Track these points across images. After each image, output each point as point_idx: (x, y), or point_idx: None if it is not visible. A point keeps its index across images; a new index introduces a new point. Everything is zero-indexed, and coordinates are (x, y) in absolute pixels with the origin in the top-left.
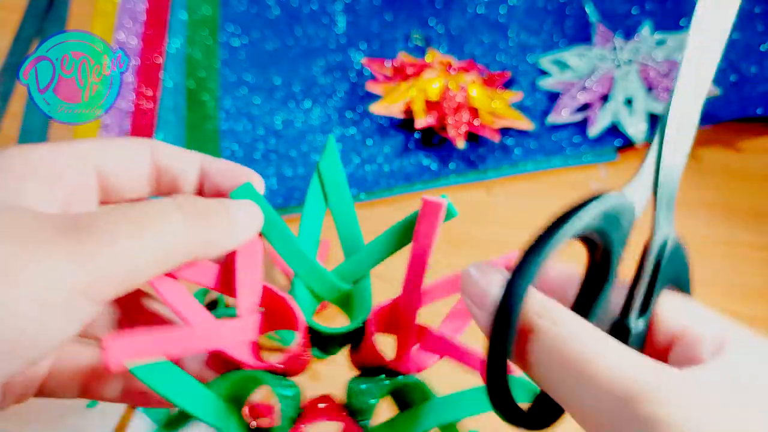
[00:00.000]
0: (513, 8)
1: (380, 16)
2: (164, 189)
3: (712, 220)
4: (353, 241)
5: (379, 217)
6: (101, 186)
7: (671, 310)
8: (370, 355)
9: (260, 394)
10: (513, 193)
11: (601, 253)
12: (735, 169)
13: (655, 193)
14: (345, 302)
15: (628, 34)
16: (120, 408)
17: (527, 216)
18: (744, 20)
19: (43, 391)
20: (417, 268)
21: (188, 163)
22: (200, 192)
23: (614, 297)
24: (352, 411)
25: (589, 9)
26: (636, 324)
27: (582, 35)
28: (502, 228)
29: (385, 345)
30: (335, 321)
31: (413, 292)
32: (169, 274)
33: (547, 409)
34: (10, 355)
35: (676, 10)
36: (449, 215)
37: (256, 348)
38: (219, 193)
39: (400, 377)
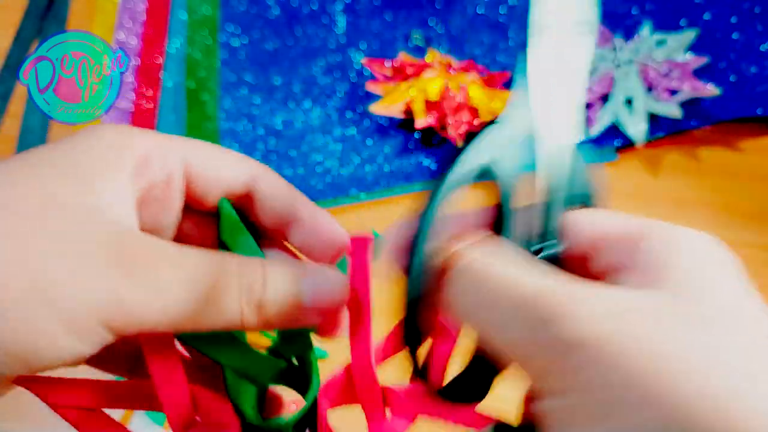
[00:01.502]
0: (513, 8)
1: (380, 16)
2: (249, 211)
3: (712, 220)
4: None
5: (379, 217)
6: (188, 188)
7: (577, 224)
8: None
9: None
10: None
11: (496, 187)
12: (735, 169)
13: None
14: (294, 380)
15: (628, 34)
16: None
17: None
18: (744, 20)
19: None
20: (360, 317)
21: (282, 201)
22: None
23: (519, 226)
24: None
25: None
26: (547, 248)
27: None
28: None
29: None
30: None
31: (364, 347)
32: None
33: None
34: (18, 362)
35: (676, 10)
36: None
37: None
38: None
39: None
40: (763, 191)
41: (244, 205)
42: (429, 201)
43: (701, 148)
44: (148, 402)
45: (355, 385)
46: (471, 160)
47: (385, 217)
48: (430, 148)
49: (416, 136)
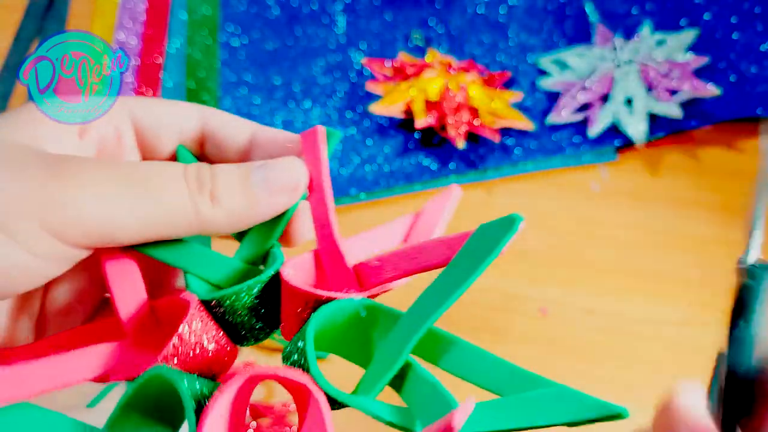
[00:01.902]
0: (513, 8)
1: (380, 16)
2: (208, 155)
3: (712, 220)
4: None
5: (379, 217)
6: (139, 141)
7: None
8: (293, 297)
9: (260, 394)
10: (513, 193)
11: None
12: (735, 169)
13: None
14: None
15: (628, 34)
16: None
17: (527, 216)
18: (744, 20)
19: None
20: (319, 199)
21: (237, 130)
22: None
23: None
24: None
25: (589, 9)
26: None
27: (582, 35)
28: None
29: None
30: None
31: (325, 228)
32: (135, 260)
33: None
34: None
35: (676, 10)
36: (332, 138)
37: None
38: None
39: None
40: None
41: (201, 150)
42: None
43: (701, 148)
44: (109, 336)
45: (322, 262)
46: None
47: (385, 217)
48: (430, 148)
49: (416, 136)
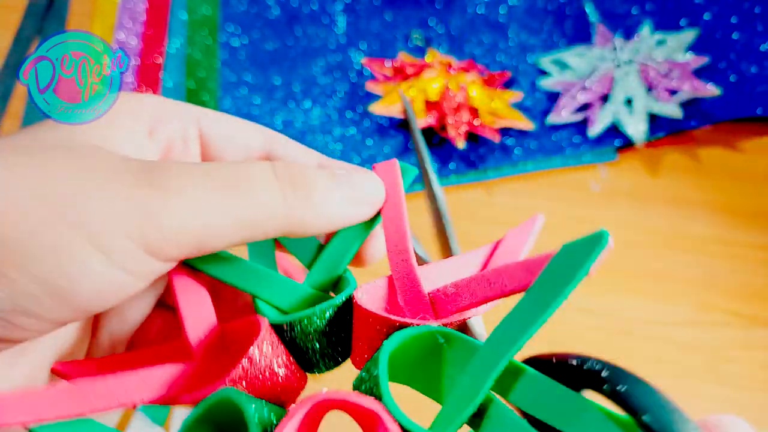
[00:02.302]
0: (513, 8)
1: (380, 16)
2: None
3: (712, 220)
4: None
5: None
6: (204, 152)
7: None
8: (366, 322)
9: None
10: (513, 193)
11: None
12: (735, 169)
13: None
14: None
15: (628, 34)
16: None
17: (527, 216)
18: (744, 20)
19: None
20: (397, 229)
21: (304, 158)
22: None
23: None
24: None
25: (589, 9)
26: None
27: (582, 35)
28: (502, 228)
29: None
30: None
31: (401, 254)
32: (200, 281)
33: None
34: (62, 302)
35: (676, 10)
36: (406, 174)
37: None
38: None
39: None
40: (763, 191)
41: None
42: None
43: (701, 148)
44: (178, 359)
45: (397, 289)
46: None
47: None
48: (430, 148)
49: None
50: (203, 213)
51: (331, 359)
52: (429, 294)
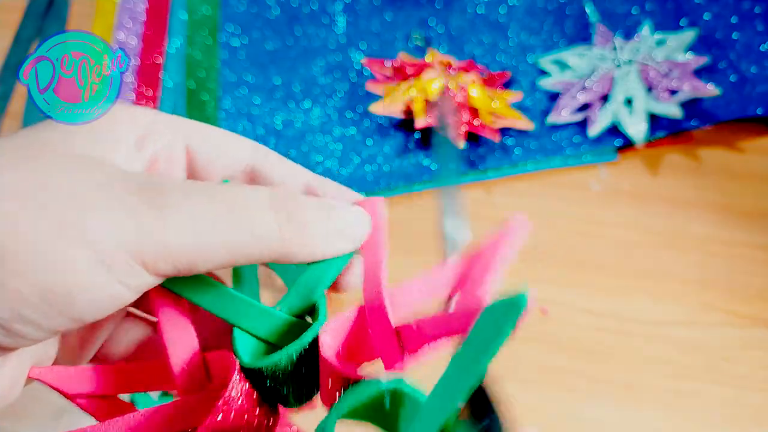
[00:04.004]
0: (513, 8)
1: (380, 16)
2: None
3: (712, 220)
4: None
5: None
6: (189, 166)
7: None
8: (326, 369)
9: None
10: (513, 193)
11: None
12: (735, 169)
13: None
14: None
15: (628, 34)
16: None
17: (527, 216)
18: (744, 20)
19: (99, 357)
20: (375, 263)
21: (292, 177)
22: None
23: None
24: None
25: (589, 9)
26: None
27: (582, 35)
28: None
29: None
30: None
31: (375, 287)
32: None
33: None
34: (59, 311)
35: (676, 10)
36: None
37: None
38: None
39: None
40: (763, 191)
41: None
42: None
43: (701, 148)
44: (162, 382)
45: (367, 321)
46: None
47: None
48: (430, 148)
49: (416, 136)
50: (200, 233)
51: (304, 396)
52: (396, 328)
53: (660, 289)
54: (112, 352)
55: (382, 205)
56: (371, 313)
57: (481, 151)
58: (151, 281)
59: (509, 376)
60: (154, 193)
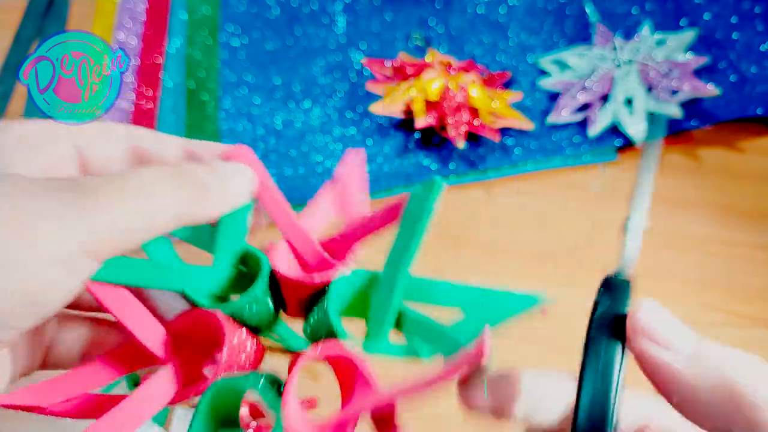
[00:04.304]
0: (513, 8)
1: (380, 16)
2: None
3: (712, 220)
4: None
5: None
6: (80, 164)
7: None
8: (296, 287)
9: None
10: (513, 193)
11: None
12: (735, 169)
13: None
14: None
15: (628, 34)
16: None
17: (527, 216)
18: (744, 20)
19: (47, 363)
20: (275, 202)
21: (168, 147)
22: None
23: None
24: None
25: (589, 9)
26: None
27: (582, 35)
28: (502, 228)
29: None
30: None
31: (288, 219)
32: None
33: None
34: (27, 309)
35: (676, 10)
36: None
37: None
38: None
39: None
40: (763, 191)
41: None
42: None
43: (701, 148)
44: (139, 360)
45: (298, 251)
46: None
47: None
48: (430, 148)
49: (416, 136)
50: (126, 215)
51: (271, 320)
52: (322, 243)
53: (660, 289)
54: (62, 357)
55: (251, 152)
56: (298, 243)
57: (481, 151)
58: (96, 266)
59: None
60: (79, 190)
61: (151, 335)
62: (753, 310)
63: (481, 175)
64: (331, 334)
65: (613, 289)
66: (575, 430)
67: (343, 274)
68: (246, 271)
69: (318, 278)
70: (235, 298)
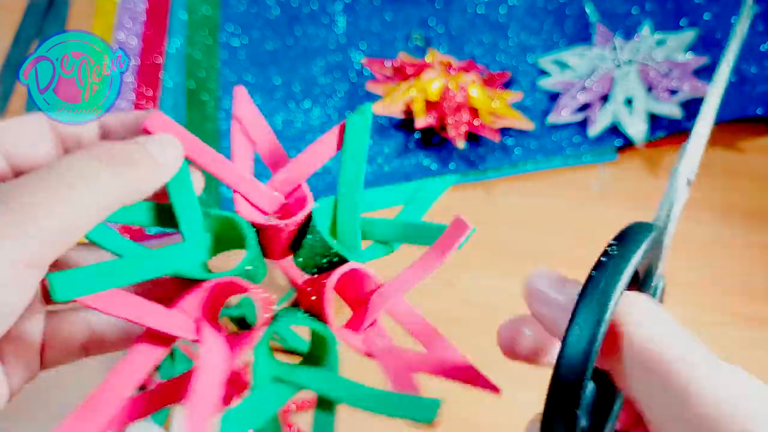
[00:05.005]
0: (513, 8)
1: (380, 16)
2: (70, 151)
3: (712, 220)
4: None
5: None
6: (11, 166)
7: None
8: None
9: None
10: (513, 193)
11: (637, 286)
12: (735, 169)
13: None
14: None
15: (628, 34)
16: None
17: (527, 216)
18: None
19: (47, 363)
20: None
21: (83, 126)
22: None
23: None
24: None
25: (589, 9)
26: None
27: (582, 35)
28: (502, 228)
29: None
30: None
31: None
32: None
33: None
34: None
35: (676, 10)
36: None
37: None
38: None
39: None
40: (763, 191)
41: (74, 148)
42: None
43: None
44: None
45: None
46: (645, 248)
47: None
48: (430, 148)
49: (416, 136)
50: (58, 215)
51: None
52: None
53: None
54: (61, 353)
55: (164, 116)
56: (247, 188)
57: (481, 151)
58: (41, 273)
59: (509, 376)
60: (2, 203)
61: (176, 324)
62: (753, 310)
63: (481, 175)
64: (328, 257)
65: (631, 233)
66: (560, 360)
67: (314, 205)
68: (219, 233)
69: (301, 216)
70: (216, 260)
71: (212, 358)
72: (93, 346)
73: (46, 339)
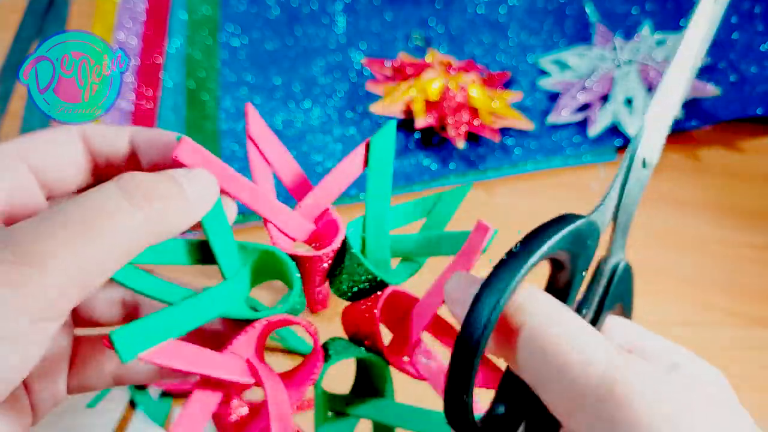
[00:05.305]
0: (513, 8)
1: (380, 16)
2: (104, 171)
3: (712, 220)
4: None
5: None
6: (41, 183)
7: (618, 326)
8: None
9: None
10: (513, 193)
11: (565, 273)
12: (735, 169)
13: (615, 219)
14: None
15: (628, 34)
16: (120, 408)
17: (527, 216)
18: (744, 20)
19: (73, 389)
20: (252, 191)
21: (118, 140)
22: (138, 166)
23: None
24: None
25: (589, 9)
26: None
27: (582, 35)
28: (502, 228)
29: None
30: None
31: (269, 200)
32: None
33: (501, 424)
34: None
35: (676, 10)
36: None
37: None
38: (156, 166)
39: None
40: (763, 191)
41: (93, 164)
42: (507, 268)
43: (701, 148)
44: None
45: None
46: (555, 238)
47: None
48: (430, 148)
49: (416, 136)
50: (77, 263)
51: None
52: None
53: (660, 289)
54: (89, 378)
55: (195, 146)
56: (280, 217)
57: (481, 151)
58: (57, 325)
59: None
60: (16, 247)
61: (232, 370)
62: (753, 310)
63: (481, 175)
64: (368, 282)
65: (540, 228)
66: (461, 333)
67: (345, 229)
68: (257, 266)
69: (337, 243)
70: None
71: (279, 396)
72: (124, 375)
73: (73, 365)
